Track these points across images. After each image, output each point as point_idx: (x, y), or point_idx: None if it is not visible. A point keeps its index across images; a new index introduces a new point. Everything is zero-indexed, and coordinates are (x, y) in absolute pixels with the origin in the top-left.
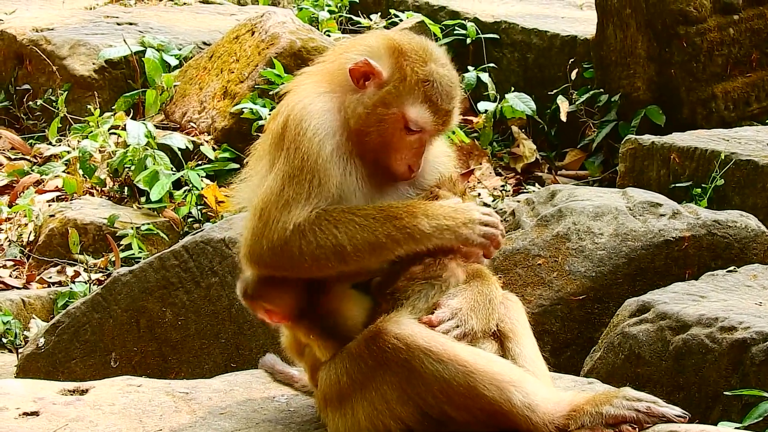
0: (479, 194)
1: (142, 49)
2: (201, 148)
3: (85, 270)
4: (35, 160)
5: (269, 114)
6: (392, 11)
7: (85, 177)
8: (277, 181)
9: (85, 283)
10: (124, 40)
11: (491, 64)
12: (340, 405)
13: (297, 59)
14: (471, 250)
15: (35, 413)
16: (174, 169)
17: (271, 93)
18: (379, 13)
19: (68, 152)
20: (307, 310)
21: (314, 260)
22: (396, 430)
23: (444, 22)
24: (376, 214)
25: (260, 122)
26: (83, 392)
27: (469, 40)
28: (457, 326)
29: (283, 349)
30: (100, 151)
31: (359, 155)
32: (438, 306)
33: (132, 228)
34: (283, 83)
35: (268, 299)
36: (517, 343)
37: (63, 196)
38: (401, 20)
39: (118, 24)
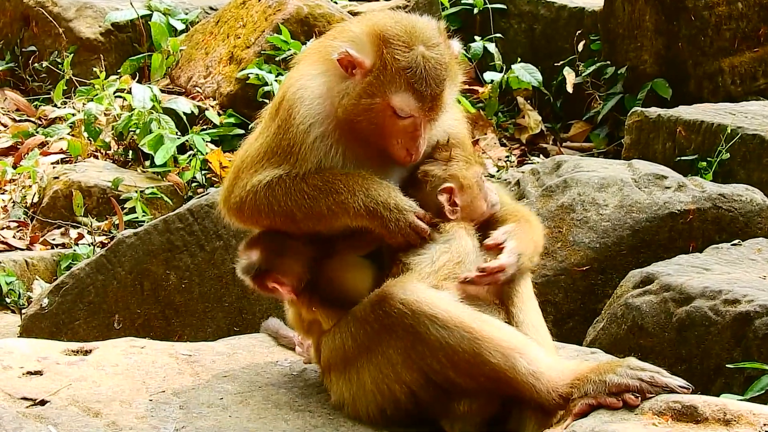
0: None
1: (148, 12)
2: (206, 112)
3: (89, 232)
4: (40, 122)
5: (275, 80)
6: None
7: (89, 140)
8: (260, 149)
9: (89, 245)
10: (131, 3)
11: (498, 35)
12: (345, 370)
13: (304, 25)
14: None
15: (39, 372)
16: (179, 133)
17: (277, 59)
18: None
19: (73, 115)
20: (311, 282)
21: (269, 218)
22: (401, 394)
23: None
24: (323, 186)
25: (266, 88)
26: (87, 353)
27: (476, 10)
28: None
29: (285, 314)
30: (105, 114)
31: (352, 140)
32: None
33: (136, 191)
34: (289, 49)
35: (280, 269)
36: (521, 310)
37: (67, 159)
38: None
39: None
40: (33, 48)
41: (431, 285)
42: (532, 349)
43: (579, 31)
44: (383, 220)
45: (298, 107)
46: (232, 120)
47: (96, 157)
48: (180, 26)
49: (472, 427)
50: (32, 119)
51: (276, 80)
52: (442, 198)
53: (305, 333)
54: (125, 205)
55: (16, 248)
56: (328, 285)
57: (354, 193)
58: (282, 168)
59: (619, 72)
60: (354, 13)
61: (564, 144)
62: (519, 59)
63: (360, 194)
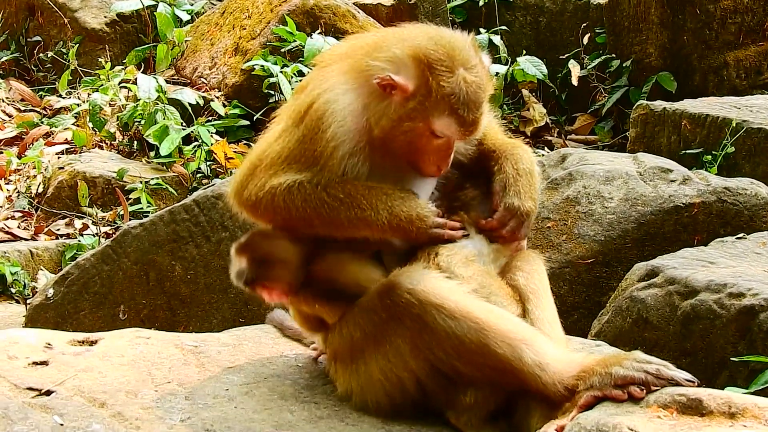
0: None
1: (154, 3)
2: (211, 104)
3: (94, 223)
4: (45, 112)
5: (281, 72)
6: None
7: (94, 130)
8: (281, 152)
9: (94, 235)
10: None
11: (503, 27)
12: (352, 361)
13: (309, 17)
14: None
15: (44, 363)
16: (184, 124)
17: (282, 50)
18: None
19: (78, 105)
20: (308, 281)
21: (285, 220)
22: (409, 383)
23: None
24: (345, 199)
25: (271, 79)
26: (92, 343)
27: (481, 2)
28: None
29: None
30: (110, 104)
31: (382, 154)
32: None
33: (141, 182)
34: (295, 41)
35: (267, 278)
36: (537, 305)
37: (72, 149)
38: None
39: None
40: (38, 38)
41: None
42: (539, 340)
43: (584, 24)
44: (406, 232)
45: (329, 121)
46: (237, 111)
47: (101, 147)
48: (185, 17)
49: (478, 418)
50: (37, 109)
51: (282, 72)
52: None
53: (313, 331)
54: (130, 196)
55: (21, 238)
56: (328, 280)
57: (377, 211)
58: (303, 175)
59: (624, 65)
60: (359, 5)
61: (569, 137)
62: (524, 52)
63: (383, 212)
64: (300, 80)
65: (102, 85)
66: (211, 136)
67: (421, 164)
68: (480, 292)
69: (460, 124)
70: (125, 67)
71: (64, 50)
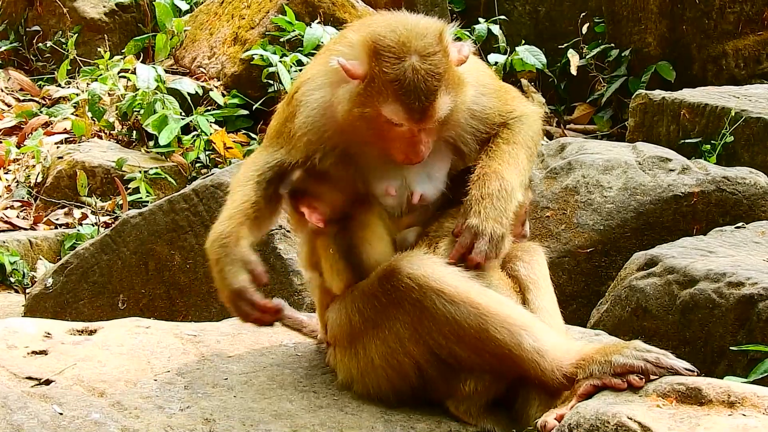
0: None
1: None
2: (210, 93)
3: (93, 212)
4: (44, 102)
5: (280, 61)
6: None
7: (93, 120)
8: (272, 126)
9: (93, 225)
10: None
11: (502, 17)
12: (351, 345)
13: (308, 6)
14: None
15: (44, 352)
16: (183, 114)
17: (281, 40)
18: None
19: (77, 95)
20: (340, 224)
21: None
22: (409, 368)
23: None
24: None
25: (270, 69)
26: (92, 332)
27: None
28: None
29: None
30: (109, 94)
31: (359, 143)
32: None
33: (140, 172)
34: (294, 30)
35: (316, 195)
36: (537, 295)
37: (71, 139)
38: None
39: None
40: (37, 28)
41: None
42: (538, 327)
43: (583, 14)
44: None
45: (301, 110)
46: (236, 101)
47: (100, 137)
48: (184, 6)
49: (477, 407)
50: (36, 99)
51: (281, 61)
52: None
53: (311, 268)
54: (129, 186)
55: (20, 228)
56: (349, 247)
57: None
58: (279, 152)
59: (623, 54)
60: None
61: (567, 126)
62: (523, 41)
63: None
64: (299, 70)
65: (101, 74)
66: (210, 125)
67: (389, 151)
68: (480, 281)
69: (407, 112)
70: (124, 57)
71: (63, 40)
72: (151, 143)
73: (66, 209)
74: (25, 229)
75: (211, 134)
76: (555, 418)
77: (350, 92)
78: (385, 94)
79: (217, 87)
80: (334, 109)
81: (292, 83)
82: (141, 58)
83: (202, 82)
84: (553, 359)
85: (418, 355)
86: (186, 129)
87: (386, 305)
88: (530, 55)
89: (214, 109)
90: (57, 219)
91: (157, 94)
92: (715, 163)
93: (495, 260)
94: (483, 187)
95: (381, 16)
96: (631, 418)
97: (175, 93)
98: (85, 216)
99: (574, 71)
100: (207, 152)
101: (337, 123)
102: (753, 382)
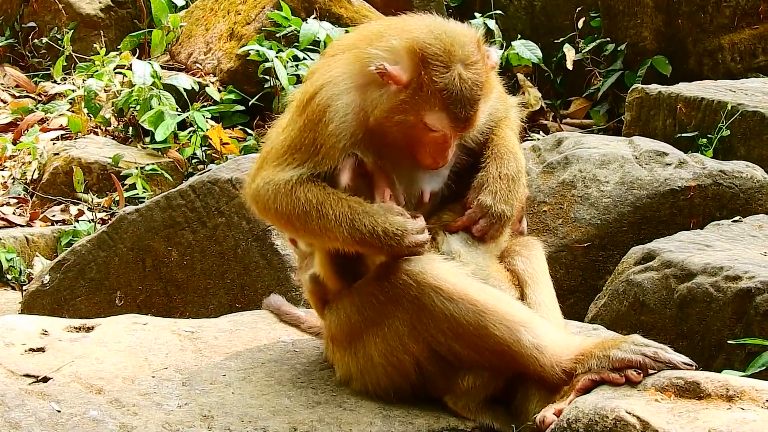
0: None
1: None
2: (206, 89)
3: (89, 209)
4: (40, 98)
5: (276, 57)
6: None
7: (89, 116)
8: (285, 143)
9: (89, 221)
10: None
11: (498, 11)
12: (350, 344)
13: (304, 2)
14: None
15: (41, 349)
16: (179, 109)
17: (278, 35)
18: None
19: (73, 91)
20: None
21: (273, 218)
22: (409, 365)
23: None
24: (317, 205)
25: (266, 64)
26: (89, 329)
27: None
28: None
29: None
30: (105, 90)
31: (383, 145)
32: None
33: (136, 168)
34: (290, 25)
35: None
36: (535, 290)
37: (67, 135)
38: None
39: None
40: (33, 24)
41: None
42: (537, 323)
43: (579, 8)
44: (375, 248)
45: (331, 117)
46: (232, 96)
47: (96, 133)
48: (180, 2)
49: (476, 403)
50: (32, 95)
51: (277, 57)
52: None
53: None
54: (125, 182)
55: (17, 225)
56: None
57: (339, 224)
58: (301, 168)
59: (618, 49)
60: None
61: (564, 120)
62: (519, 36)
63: (345, 226)
64: (295, 65)
65: (97, 70)
66: (207, 121)
67: (417, 156)
68: (478, 274)
69: (452, 120)
70: (120, 53)
71: (58, 36)
72: (148, 139)
73: (62, 206)
74: (22, 225)
75: (207, 130)
76: (554, 413)
77: (389, 98)
78: (432, 102)
79: (213, 83)
80: (365, 114)
81: (301, 89)
82: (137, 54)
83: (198, 77)
84: (552, 355)
85: (418, 352)
86: (182, 125)
87: (385, 303)
88: (526, 50)
89: (210, 105)
90: (53, 215)
91: (153, 90)
92: (711, 157)
93: (493, 247)
94: (501, 166)
95: (413, 19)
96: (629, 413)
97: (171, 89)
98: (81, 212)
99: (570, 66)
100: (203, 148)
101: (367, 127)
102: (751, 376)
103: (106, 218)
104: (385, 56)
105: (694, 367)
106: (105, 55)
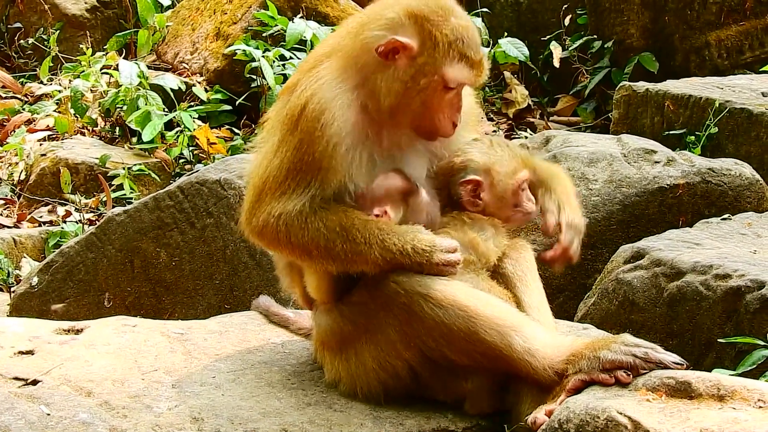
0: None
1: None
2: (193, 89)
3: (77, 210)
4: (26, 99)
5: (263, 56)
6: None
7: (76, 116)
8: (281, 167)
9: (77, 222)
10: None
11: (484, 9)
12: (341, 350)
13: (290, 1)
14: None
15: (30, 352)
16: (166, 109)
17: (264, 35)
18: None
19: (60, 91)
20: None
21: (286, 250)
22: (403, 371)
23: None
24: (340, 231)
25: (253, 64)
26: (78, 332)
27: None
28: None
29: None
30: (91, 90)
31: (377, 139)
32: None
33: (123, 168)
34: (276, 25)
35: None
36: (524, 291)
37: (54, 136)
38: None
39: None
40: (19, 25)
41: None
42: (528, 326)
43: (565, 5)
44: (404, 266)
45: (329, 119)
46: (219, 96)
47: (83, 134)
48: (166, 2)
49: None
50: (18, 96)
51: (263, 56)
52: (463, 189)
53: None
54: (113, 182)
55: (4, 226)
56: None
57: (370, 245)
58: (308, 191)
59: (605, 46)
60: None
61: (551, 118)
62: (505, 33)
63: (375, 247)
64: (282, 65)
65: (83, 71)
66: (194, 121)
67: (436, 123)
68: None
69: (471, 66)
70: (106, 53)
71: (44, 36)
72: (135, 139)
73: (50, 207)
74: (9, 227)
75: (194, 130)
76: (545, 414)
77: (403, 72)
78: (450, 55)
79: (199, 82)
80: (368, 108)
81: (283, 108)
82: (123, 54)
83: (185, 77)
84: (544, 357)
85: (410, 358)
86: (169, 125)
87: (376, 310)
88: (513, 48)
89: (197, 105)
90: (41, 216)
91: (139, 90)
92: (699, 155)
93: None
94: (557, 183)
95: (380, 1)
96: (620, 413)
97: (157, 89)
98: (69, 213)
99: (556, 63)
100: (190, 148)
101: (367, 122)
102: (741, 374)
103: (94, 219)
104: (386, 33)
105: (685, 366)
106: (91, 56)
